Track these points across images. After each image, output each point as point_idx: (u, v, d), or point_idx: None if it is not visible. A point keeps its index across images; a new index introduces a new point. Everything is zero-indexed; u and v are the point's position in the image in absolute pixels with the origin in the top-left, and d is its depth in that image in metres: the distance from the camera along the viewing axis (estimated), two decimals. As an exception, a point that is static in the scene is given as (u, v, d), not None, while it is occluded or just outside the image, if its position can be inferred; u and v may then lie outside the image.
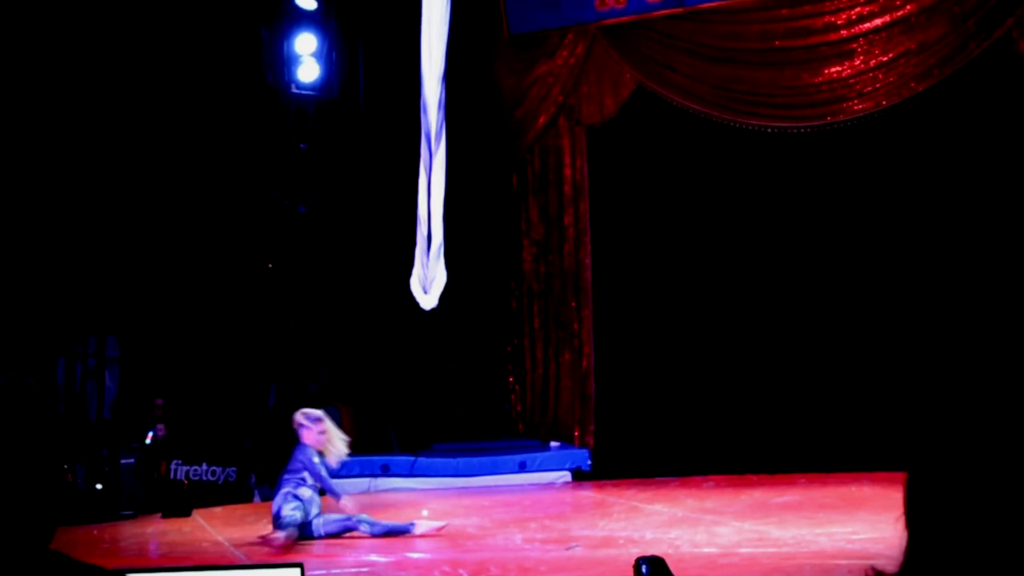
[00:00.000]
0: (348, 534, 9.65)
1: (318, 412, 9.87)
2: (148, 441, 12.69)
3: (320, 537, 9.56)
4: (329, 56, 14.30)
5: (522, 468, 13.60)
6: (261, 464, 13.27)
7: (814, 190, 13.49)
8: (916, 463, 1.66)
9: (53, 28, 12.93)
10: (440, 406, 14.61)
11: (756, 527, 9.44)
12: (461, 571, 8.11)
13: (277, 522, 9.52)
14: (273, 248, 14.38)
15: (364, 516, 9.71)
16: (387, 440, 14.03)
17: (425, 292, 10.35)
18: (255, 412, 13.94)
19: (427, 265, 10.23)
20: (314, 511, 9.60)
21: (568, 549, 8.88)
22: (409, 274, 9.91)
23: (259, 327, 14.29)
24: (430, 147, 10.21)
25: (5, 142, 12.71)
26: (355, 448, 13.94)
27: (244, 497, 12.87)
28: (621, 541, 9.09)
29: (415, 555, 8.96)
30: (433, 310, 11.09)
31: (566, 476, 13.62)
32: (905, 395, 12.25)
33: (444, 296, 10.55)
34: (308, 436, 9.69)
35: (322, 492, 9.72)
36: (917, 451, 1.65)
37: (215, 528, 10.82)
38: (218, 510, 12.13)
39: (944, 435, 1.63)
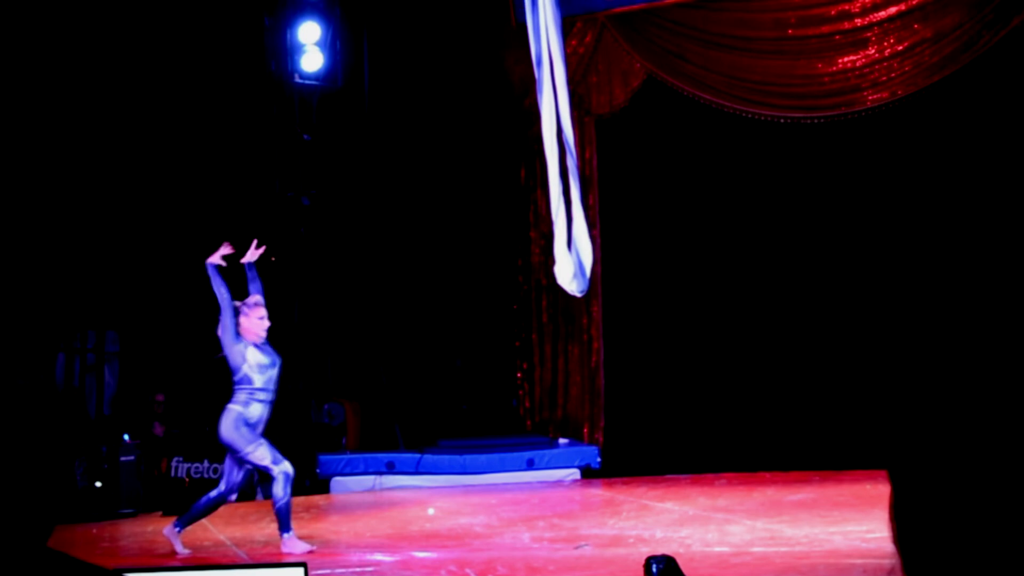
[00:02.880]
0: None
1: (256, 298, 9.22)
2: (128, 438, 12.52)
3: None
4: (333, 45, 14.13)
5: (530, 465, 13.47)
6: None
7: (829, 182, 13.34)
8: (916, 464, 1.60)
9: (51, 17, 12.79)
10: (446, 402, 14.51)
11: (769, 525, 9.31)
12: (468, 570, 8.01)
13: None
14: (276, 241, 14.19)
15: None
16: (392, 437, 13.91)
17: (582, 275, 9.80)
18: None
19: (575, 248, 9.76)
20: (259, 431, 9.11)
21: (577, 548, 8.76)
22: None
23: (261, 321, 14.13)
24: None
25: (3, 134, 12.58)
26: (360, 445, 13.97)
27: (246, 495, 12.64)
28: (631, 540, 8.95)
29: (421, 554, 8.84)
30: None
31: (575, 474, 13.48)
32: (923, 392, 12.16)
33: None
34: (246, 324, 9.09)
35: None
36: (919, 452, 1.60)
37: (217, 527, 10.68)
38: (220, 508, 11.95)
39: (943, 434, 1.59)
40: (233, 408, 9.06)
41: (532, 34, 9.70)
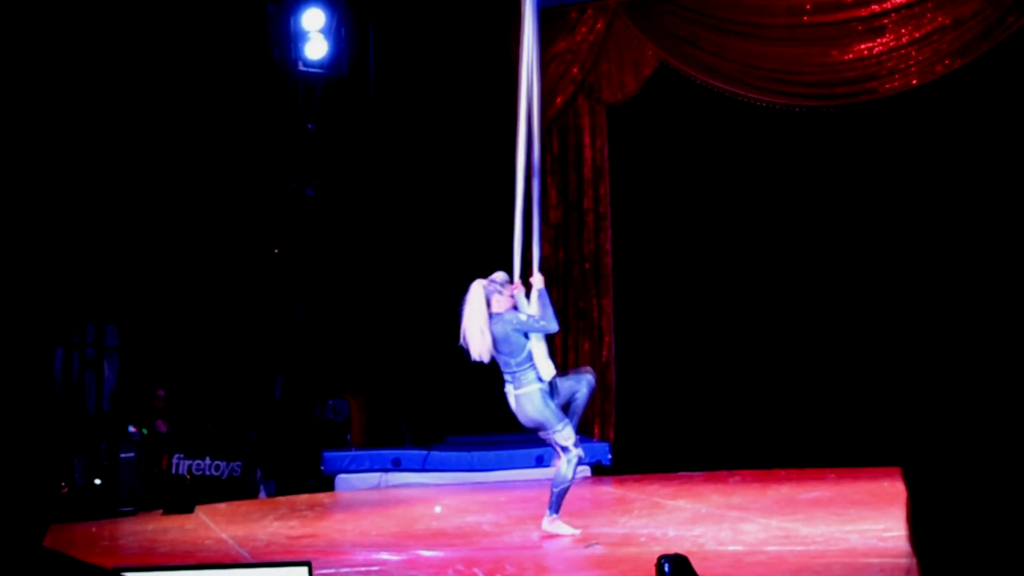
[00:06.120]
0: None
1: (503, 275, 9.39)
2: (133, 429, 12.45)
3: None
4: (338, 32, 13.98)
5: (539, 463, 13.32)
6: (267, 458, 13.07)
7: (844, 172, 13.17)
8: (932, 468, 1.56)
9: (52, 8, 12.66)
10: (454, 398, 14.36)
11: (783, 524, 9.24)
12: (476, 570, 7.94)
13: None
14: (279, 232, 14.14)
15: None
16: (399, 433, 13.83)
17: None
18: (260, 404, 13.68)
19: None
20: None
21: (587, 547, 8.69)
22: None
23: (265, 315, 14.06)
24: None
25: (2, 127, 12.45)
26: (365, 442, 13.83)
27: (249, 493, 12.65)
28: (643, 539, 8.88)
29: (428, 553, 8.76)
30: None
31: (585, 471, 13.32)
32: (940, 388, 11.96)
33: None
34: (500, 304, 9.20)
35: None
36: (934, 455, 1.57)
37: (219, 525, 10.64)
38: (222, 506, 11.91)
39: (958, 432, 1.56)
40: (534, 387, 8.98)
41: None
